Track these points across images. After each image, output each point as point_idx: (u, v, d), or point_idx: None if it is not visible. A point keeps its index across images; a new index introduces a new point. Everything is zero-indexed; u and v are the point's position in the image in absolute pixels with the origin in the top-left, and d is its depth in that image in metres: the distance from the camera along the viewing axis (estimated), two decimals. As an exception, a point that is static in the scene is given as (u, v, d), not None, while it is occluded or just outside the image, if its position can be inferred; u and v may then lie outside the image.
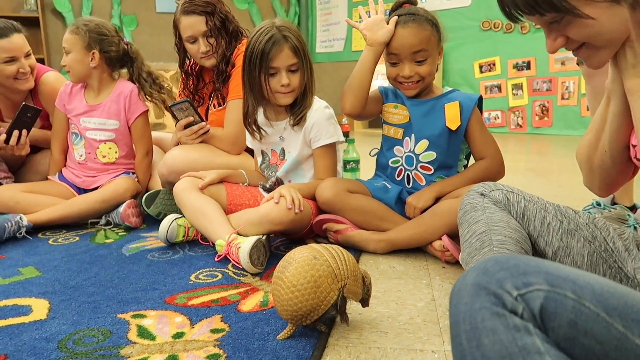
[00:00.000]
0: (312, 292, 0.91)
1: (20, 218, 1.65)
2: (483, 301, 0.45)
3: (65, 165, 1.97)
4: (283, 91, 1.49)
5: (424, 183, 1.52)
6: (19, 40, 1.90)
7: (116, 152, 1.91)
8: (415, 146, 1.50)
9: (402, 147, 1.54)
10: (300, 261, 0.94)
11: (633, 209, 1.54)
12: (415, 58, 1.43)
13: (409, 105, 1.51)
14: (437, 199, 1.45)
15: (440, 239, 1.39)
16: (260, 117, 1.60)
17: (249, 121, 1.59)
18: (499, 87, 4.73)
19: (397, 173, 1.57)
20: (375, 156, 1.66)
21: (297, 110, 1.54)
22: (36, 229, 1.70)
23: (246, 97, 1.56)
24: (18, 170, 2.11)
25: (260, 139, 1.62)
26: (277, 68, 1.46)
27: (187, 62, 1.98)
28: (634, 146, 0.78)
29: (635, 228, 0.99)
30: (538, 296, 0.44)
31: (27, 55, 1.95)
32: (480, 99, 1.49)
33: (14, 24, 1.91)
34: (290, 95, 1.51)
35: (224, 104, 1.90)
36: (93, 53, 1.85)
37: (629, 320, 0.43)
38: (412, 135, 1.51)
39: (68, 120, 1.93)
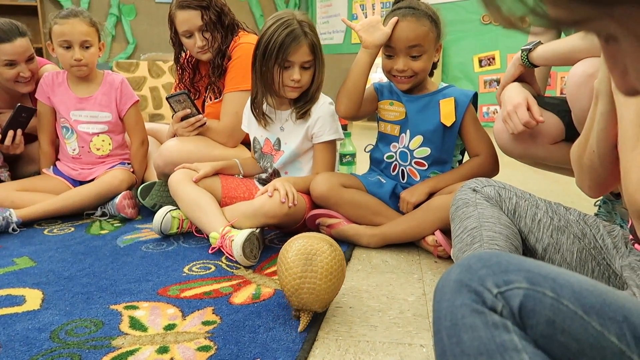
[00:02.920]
0: (342, 275, 1.01)
1: (10, 214, 1.62)
2: (464, 298, 0.46)
3: (58, 159, 1.95)
4: (292, 85, 1.48)
5: (418, 178, 1.52)
6: (22, 44, 1.86)
7: (110, 144, 1.90)
8: (409, 142, 1.51)
9: (398, 142, 1.54)
10: (324, 251, 0.98)
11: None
12: (410, 53, 1.42)
13: (405, 101, 1.51)
14: (430, 195, 1.46)
15: (433, 234, 1.39)
16: (264, 104, 1.60)
17: (257, 106, 1.59)
18: (499, 82, 4.72)
19: (391, 168, 1.57)
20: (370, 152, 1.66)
21: (301, 104, 1.54)
22: (32, 221, 1.70)
23: (255, 83, 1.55)
24: (14, 160, 2.11)
25: (265, 125, 1.62)
26: (292, 62, 1.46)
27: (183, 55, 1.97)
28: None
29: (622, 226, 0.99)
30: (517, 294, 0.44)
31: (30, 60, 1.92)
32: (476, 95, 1.49)
33: (19, 26, 1.86)
34: (297, 90, 1.51)
35: (220, 96, 1.90)
36: (102, 44, 1.84)
37: (606, 319, 0.43)
38: (408, 131, 1.51)
39: (54, 112, 1.90)
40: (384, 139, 1.58)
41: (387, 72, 1.49)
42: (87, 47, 1.78)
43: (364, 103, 1.53)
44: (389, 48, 1.46)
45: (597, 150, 0.79)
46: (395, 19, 1.43)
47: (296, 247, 0.99)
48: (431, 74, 1.54)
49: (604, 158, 0.78)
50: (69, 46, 1.77)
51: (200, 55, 1.86)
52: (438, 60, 1.51)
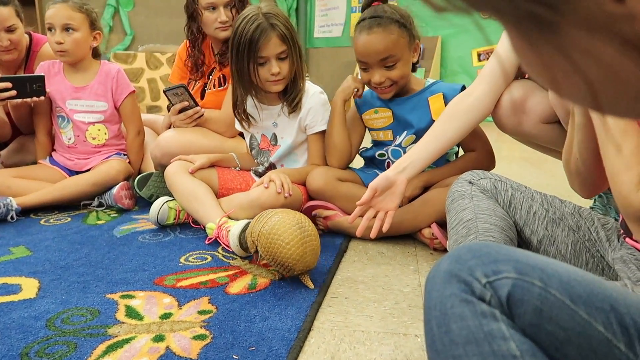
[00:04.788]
0: None
1: (10, 201, 1.62)
2: (453, 288, 0.46)
3: (54, 150, 1.95)
4: (273, 79, 1.47)
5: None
6: (1, 12, 1.86)
7: (105, 134, 1.90)
8: (402, 140, 1.51)
9: (391, 145, 1.55)
10: (304, 217, 1.14)
11: None
12: (384, 64, 1.38)
13: (392, 106, 1.50)
14: (426, 188, 1.46)
15: (430, 226, 1.40)
16: (251, 102, 1.59)
17: (239, 110, 1.59)
18: (497, 76, 4.71)
19: (385, 164, 1.57)
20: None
21: (290, 97, 1.54)
22: (28, 210, 1.70)
23: (235, 86, 1.55)
24: (12, 151, 2.11)
25: (249, 126, 1.62)
26: (266, 57, 1.44)
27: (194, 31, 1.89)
28: None
29: (616, 219, 0.99)
30: (506, 284, 0.45)
31: (10, 30, 1.91)
32: (463, 88, 1.47)
33: None
34: (281, 82, 1.50)
35: (224, 84, 1.89)
36: (97, 33, 1.83)
37: (593, 308, 0.44)
38: (401, 132, 1.51)
39: (50, 101, 1.88)
40: (380, 145, 1.58)
41: (367, 84, 1.48)
42: (69, 31, 1.75)
43: (351, 133, 1.56)
44: (362, 62, 1.43)
45: (580, 158, 0.79)
46: (358, 34, 1.40)
47: (282, 223, 1.10)
48: (414, 70, 1.51)
49: (588, 165, 0.79)
50: (52, 29, 1.75)
51: (219, 32, 1.79)
52: (419, 59, 1.47)
